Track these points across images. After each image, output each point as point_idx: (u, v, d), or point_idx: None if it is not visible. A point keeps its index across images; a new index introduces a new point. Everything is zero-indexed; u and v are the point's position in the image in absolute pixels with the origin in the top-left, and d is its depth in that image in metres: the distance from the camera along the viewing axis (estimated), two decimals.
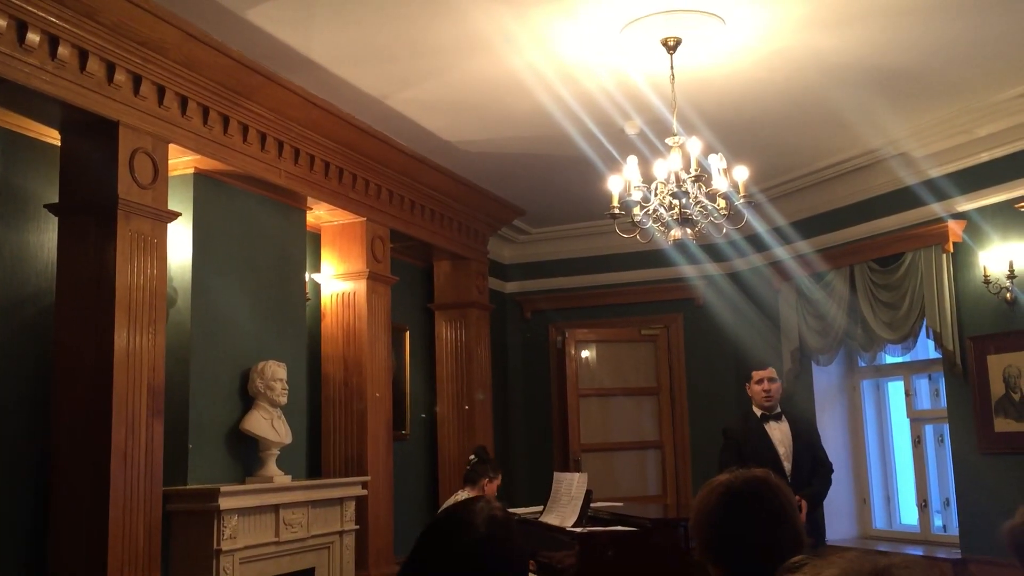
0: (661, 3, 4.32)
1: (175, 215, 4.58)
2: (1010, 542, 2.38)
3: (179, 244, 4.83)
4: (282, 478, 5.12)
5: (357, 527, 5.64)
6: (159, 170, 4.45)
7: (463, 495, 5.65)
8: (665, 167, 4.47)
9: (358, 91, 5.23)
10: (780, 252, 7.43)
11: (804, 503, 4.93)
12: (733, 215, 4.54)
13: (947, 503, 6.61)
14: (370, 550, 5.85)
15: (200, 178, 5.01)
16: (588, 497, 5.01)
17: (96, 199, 4.25)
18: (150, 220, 4.38)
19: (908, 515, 7.11)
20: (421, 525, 2.16)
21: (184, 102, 4.62)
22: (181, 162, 4.85)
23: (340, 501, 5.53)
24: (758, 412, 5.42)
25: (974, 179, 5.98)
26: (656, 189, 4.48)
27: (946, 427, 6.38)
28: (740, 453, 5.05)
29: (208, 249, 5.02)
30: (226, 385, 5.07)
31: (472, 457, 5.91)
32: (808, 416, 6.61)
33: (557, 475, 5.54)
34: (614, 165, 5.12)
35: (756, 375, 5.46)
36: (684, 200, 4.41)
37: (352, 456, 5.96)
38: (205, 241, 5.00)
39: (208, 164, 4.94)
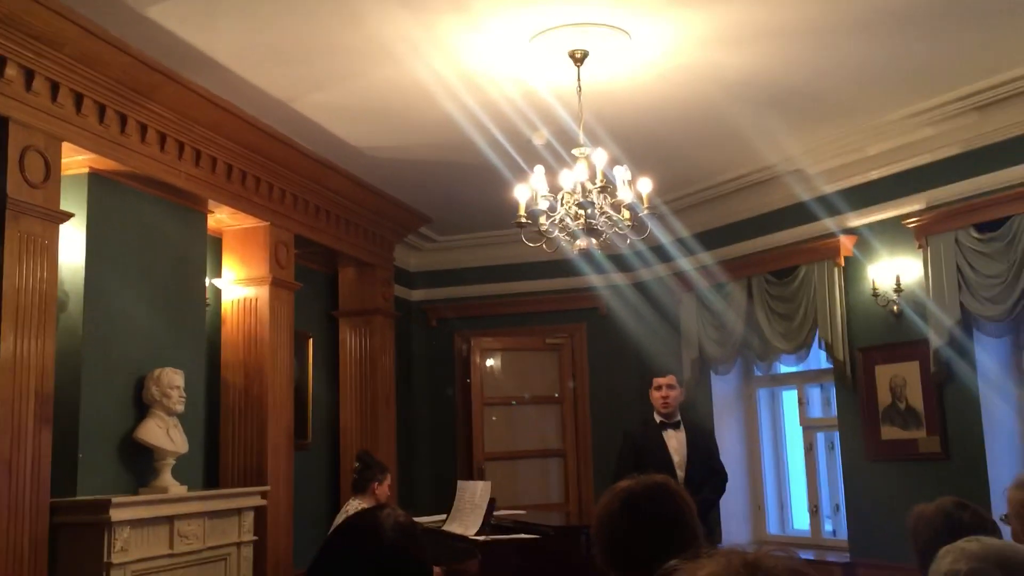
0: (569, 16, 4.38)
1: (68, 216, 4.43)
2: (913, 529, 2.50)
3: (72, 246, 4.65)
4: (178, 488, 4.98)
5: (256, 538, 5.52)
6: (51, 169, 4.30)
7: (355, 503, 5.59)
8: (571, 177, 4.53)
9: (263, 93, 5.14)
10: (683, 263, 7.57)
11: None
12: (637, 226, 4.63)
13: (837, 508, 6.83)
14: (269, 562, 5.73)
15: (95, 178, 4.84)
16: (491, 505, 5.03)
17: None
18: (41, 220, 4.22)
19: (800, 520, 7.32)
20: (322, 536, 2.12)
21: (79, 99, 4.46)
22: (75, 161, 4.67)
23: (238, 512, 5.40)
24: (657, 419, 5.54)
25: (864, 196, 6.22)
26: (562, 199, 4.53)
27: (836, 435, 6.60)
28: (637, 456, 5.21)
29: (103, 251, 4.85)
30: (120, 392, 4.91)
31: (356, 464, 5.86)
32: (706, 426, 6.74)
33: (461, 483, 5.55)
34: (521, 174, 5.15)
35: (656, 382, 5.62)
36: (590, 210, 4.47)
37: (251, 466, 5.84)
38: (99, 243, 4.83)
39: (104, 164, 4.78)
